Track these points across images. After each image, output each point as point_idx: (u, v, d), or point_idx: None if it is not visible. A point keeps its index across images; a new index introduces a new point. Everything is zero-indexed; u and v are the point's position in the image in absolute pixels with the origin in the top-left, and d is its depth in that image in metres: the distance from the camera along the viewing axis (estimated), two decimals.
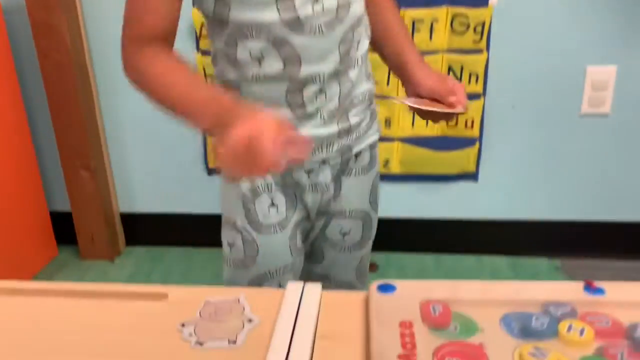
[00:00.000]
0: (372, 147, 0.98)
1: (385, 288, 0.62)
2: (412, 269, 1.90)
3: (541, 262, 1.90)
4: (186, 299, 0.65)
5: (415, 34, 1.67)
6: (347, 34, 0.80)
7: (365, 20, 0.87)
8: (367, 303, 0.62)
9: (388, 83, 1.74)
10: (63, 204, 2.00)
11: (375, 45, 0.97)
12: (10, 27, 1.78)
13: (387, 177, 1.89)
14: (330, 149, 0.88)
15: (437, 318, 0.58)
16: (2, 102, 1.76)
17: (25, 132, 1.87)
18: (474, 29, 1.66)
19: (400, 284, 0.63)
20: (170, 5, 0.75)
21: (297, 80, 0.79)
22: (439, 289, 0.62)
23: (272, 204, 0.91)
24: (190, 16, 1.66)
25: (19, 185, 1.85)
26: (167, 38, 0.76)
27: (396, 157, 1.85)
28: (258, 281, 0.93)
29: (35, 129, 1.92)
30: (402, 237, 1.95)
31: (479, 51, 1.68)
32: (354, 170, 0.95)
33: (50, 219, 2.00)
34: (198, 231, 1.89)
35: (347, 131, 0.89)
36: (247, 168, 0.63)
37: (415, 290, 0.62)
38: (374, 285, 0.63)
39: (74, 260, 2.03)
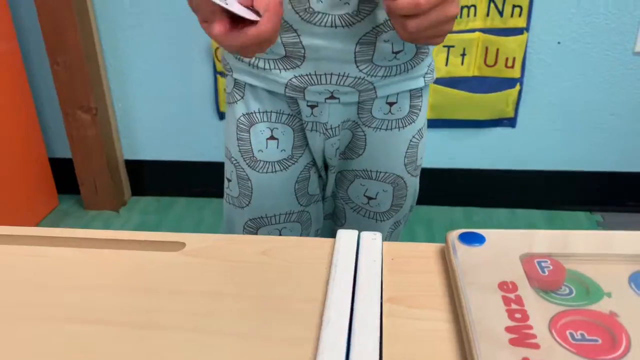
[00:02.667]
0: (414, 95, 0.78)
1: (470, 238, 0.47)
2: (440, 223, 1.76)
3: (580, 217, 1.76)
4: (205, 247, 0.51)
5: None
6: None
7: None
8: (446, 258, 0.48)
9: None
10: (63, 150, 1.86)
11: None
12: None
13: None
14: (342, 80, 0.71)
15: (548, 277, 0.43)
16: None
17: (21, 71, 1.70)
18: None
19: (489, 234, 0.48)
20: None
21: None
22: (543, 240, 0.47)
23: (272, 137, 0.78)
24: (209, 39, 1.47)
25: (15, 128, 1.69)
26: None
27: None
28: (254, 225, 0.81)
29: (31, 68, 1.76)
30: (429, 189, 1.79)
31: None
32: (385, 122, 0.78)
33: (50, 166, 1.86)
34: (209, 180, 1.75)
35: (371, 58, 0.71)
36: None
37: (512, 241, 0.47)
38: (453, 234, 0.48)
39: (77, 210, 1.90)
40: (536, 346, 0.37)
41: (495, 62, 1.57)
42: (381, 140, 0.79)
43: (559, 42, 1.57)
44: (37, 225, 1.79)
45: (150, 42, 1.66)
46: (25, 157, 1.75)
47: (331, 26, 0.67)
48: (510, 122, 1.68)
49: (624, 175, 1.73)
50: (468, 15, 1.53)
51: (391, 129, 0.79)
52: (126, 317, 0.43)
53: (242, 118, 0.78)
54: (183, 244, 0.51)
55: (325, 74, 0.71)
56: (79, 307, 0.44)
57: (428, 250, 0.50)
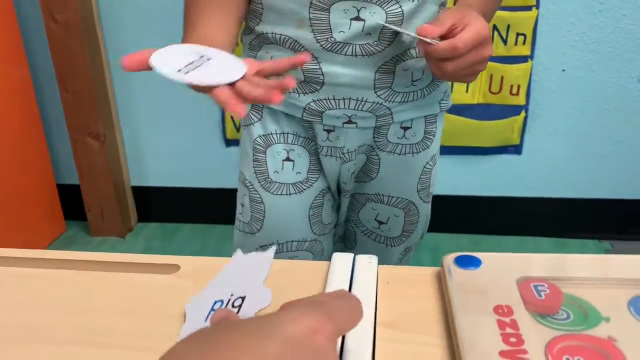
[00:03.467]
0: (429, 121, 0.79)
1: (466, 262, 0.47)
2: (446, 250, 1.74)
3: (589, 244, 1.73)
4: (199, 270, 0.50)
5: None
6: None
7: None
8: (441, 281, 0.47)
9: None
10: (71, 177, 1.87)
11: None
12: None
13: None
14: (360, 105, 0.71)
15: (544, 301, 0.43)
16: (6, 65, 1.62)
17: (30, 97, 1.73)
18: None
19: (485, 257, 0.47)
20: None
21: None
22: (540, 264, 0.47)
23: (288, 159, 0.77)
24: None
25: (24, 154, 1.71)
26: None
27: None
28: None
29: (41, 95, 1.78)
30: (436, 215, 1.78)
31: (528, 8, 1.50)
32: (399, 147, 0.78)
33: (58, 192, 1.87)
34: (214, 207, 1.75)
35: (390, 85, 0.71)
36: None
37: (508, 265, 0.46)
38: (449, 258, 0.47)
39: (83, 236, 1.90)
40: None
41: (500, 90, 1.58)
42: (395, 165, 0.79)
43: (563, 70, 1.57)
44: (44, 249, 1.79)
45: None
46: (33, 183, 1.76)
47: (352, 55, 0.67)
48: (516, 149, 1.67)
49: (631, 202, 1.71)
50: None
51: (405, 153, 0.79)
52: (115, 339, 0.42)
53: (258, 139, 0.77)
54: (177, 267, 0.51)
55: (343, 99, 0.71)
56: (70, 329, 0.44)
57: (424, 274, 0.49)
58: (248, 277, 0.47)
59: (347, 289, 0.46)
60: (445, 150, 1.68)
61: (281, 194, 0.77)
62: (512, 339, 0.38)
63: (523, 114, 1.60)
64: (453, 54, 0.59)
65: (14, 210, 1.66)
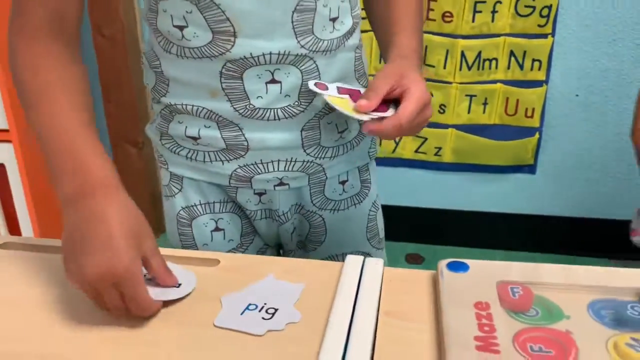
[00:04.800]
0: (362, 170, 0.77)
1: (457, 266, 0.56)
2: None
3: (601, 264, 1.80)
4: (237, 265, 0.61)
5: (476, 16, 1.59)
6: (306, 1, 0.60)
7: None
8: (435, 281, 0.57)
9: (445, 66, 1.66)
10: None
11: (373, 29, 0.74)
12: None
13: (438, 167, 1.82)
14: (290, 165, 0.69)
15: (517, 301, 0.52)
16: None
17: None
18: (540, 12, 1.56)
19: (473, 263, 0.57)
20: None
21: (233, 60, 0.61)
22: (517, 271, 0.56)
23: (217, 228, 0.74)
24: None
25: None
26: (62, 28, 0.59)
27: (449, 145, 1.77)
28: None
29: None
30: (450, 230, 1.88)
31: (544, 36, 1.59)
32: (342, 203, 0.76)
33: None
34: None
35: (318, 142, 0.69)
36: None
37: (491, 270, 0.56)
38: (443, 262, 0.57)
39: None
40: (497, 352, 0.45)
41: (516, 112, 1.66)
42: (340, 222, 0.77)
43: (577, 95, 1.65)
44: None
45: None
46: None
47: (274, 119, 0.65)
48: (530, 168, 1.75)
49: None
50: (490, 68, 1.63)
51: (348, 207, 0.77)
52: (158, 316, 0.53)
53: (182, 212, 0.73)
54: (218, 261, 0.62)
55: (272, 162, 0.68)
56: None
57: (422, 276, 0.59)
58: (280, 297, 0.55)
59: (356, 283, 0.56)
60: (463, 167, 1.77)
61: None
62: (486, 328, 0.48)
63: (537, 135, 1.68)
64: (399, 133, 0.59)
65: (55, 207, 1.79)
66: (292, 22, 0.61)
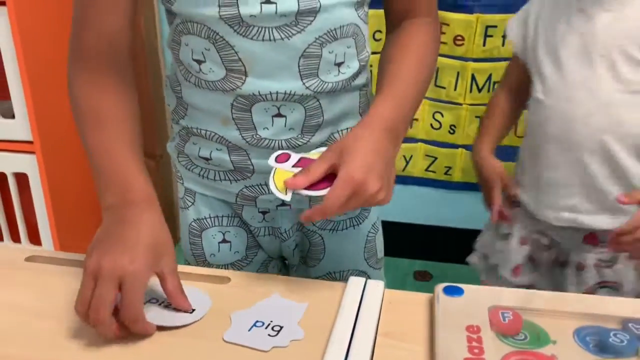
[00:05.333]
0: None
1: (452, 291, 0.60)
2: (467, 282, 1.85)
3: None
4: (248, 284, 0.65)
5: (487, 40, 1.63)
6: (312, 48, 0.65)
7: (361, 41, 0.70)
8: (431, 304, 0.60)
9: (455, 87, 1.70)
10: None
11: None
12: None
13: (448, 186, 1.85)
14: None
15: (507, 325, 0.55)
16: None
17: None
18: None
19: (467, 288, 0.60)
20: (115, 14, 0.63)
21: (243, 95, 0.66)
22: (509, 296, 0.59)
23: (225, 240, 0.79)
24: None
25: (88, 168, 1.91)
26: (115, 55, 0.65)
27: (459, 164, 1.80)
28: None
29: None
30: (459, 248, 1.90)
31: None
32: (341, 223, 0.79)
33: None
34: None
35: None
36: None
37: (484, 295, 0.59)
38: (440, 287, 0.61)
39: None
40: None
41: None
42: (339, 241, 0.80)
43: None
44: None
45: None
46: (93, 194, 1.95)
47: (278, 149, 0.69)
48: None
49: None
50: None
51: (347, 228, 0.80)
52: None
53: (193, 223, 0.79)
54: (228, 279, 0.66)
55: None
56: None
57: (419, 298, 0.63)
58: (285, 315, 0.59)
59: (357, 304, 0.60)
60: (471, 186, 1.80)
61: None
62: (476, 350, 0.51)
63: None
64: (326, 216, 0.58)
65: (75, 217, 1.85)
66: (299, 66, 0.65)
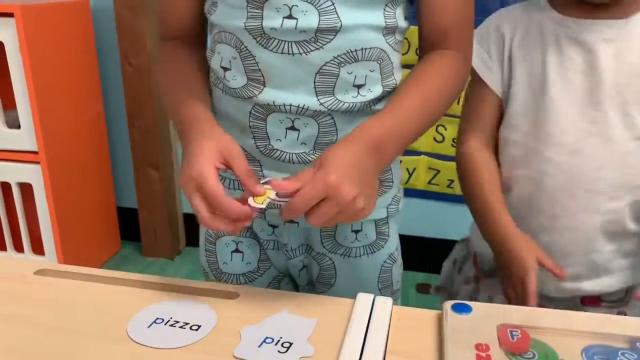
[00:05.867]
0: (379, 223, 0.78)
1: (460, 308, 0.60)
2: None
3: None
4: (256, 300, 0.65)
5: None
6: (329, 66, 0.66)
7: (388, 67, 0.69)
8: (440, 322, 0.61)
9: (458, 101, 1.71)
10: (130, 201, 2.07)
11: None
12: (97, 27, 1.86)
13: (450, 198, 1.86)
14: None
15: (515, 343, 0.56)
16: (84, 100, 1.85)
17: (102, 129, 1.95)
18: None
19: (476, 306, 0.61)
20: (188, 5, 0.75)
21: (260, 103, 0.69)
22: (517, 314, 0.60)
23: (237, 250, 0.80)
24: None
25: (92, 178, 1.92)
26: (189, 36, 0.76)
27: None
28: None
29: (112, 128, 2.00)
30: None
31: None
32: (353, 250, 0.78)
33: (117, 214, 2.07)
34: None
35: None
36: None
37: (493, 313, 0.60)
38: (448, 304, 0.61)
39: (136, 256, 2.09)
40: None
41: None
42: (351, 267, 0.79)
43: None
44: (100, 266, 1.99)
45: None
46: (96, 205, 1.97)
47: (289, 162, 0.71)
48: None
49: None
50: None
51: (360, 255, 0.78)
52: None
53: (209, 230, 0.81)
54: (237, 294, 0.66)
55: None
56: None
57: (428, 315, 0.63)
58: (295, 331, 0.59)
59: (366, 321, 0.60)
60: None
61: (231, 284, 0.80)
62: None
63: None
64: (294, 216, 0.59)
65: (78, 227, 1.86)
66: (315, 82, 0.67)
